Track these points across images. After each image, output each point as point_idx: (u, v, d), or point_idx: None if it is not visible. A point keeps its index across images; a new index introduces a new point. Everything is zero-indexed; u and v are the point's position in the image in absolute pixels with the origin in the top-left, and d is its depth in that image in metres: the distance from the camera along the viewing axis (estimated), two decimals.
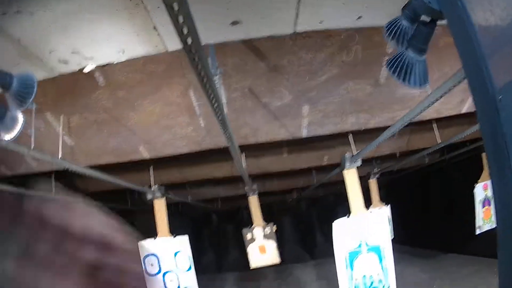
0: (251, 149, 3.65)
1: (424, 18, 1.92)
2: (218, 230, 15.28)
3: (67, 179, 6.25)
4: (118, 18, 2.63)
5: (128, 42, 3.05)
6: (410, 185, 12.09)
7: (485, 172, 6.70)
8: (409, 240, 11.52)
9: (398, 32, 2.07)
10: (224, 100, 2.52)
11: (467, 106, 4.12)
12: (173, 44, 3.11)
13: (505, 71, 0.97)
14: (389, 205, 4.59)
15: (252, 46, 3.19)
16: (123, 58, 3.23)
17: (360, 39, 3.26)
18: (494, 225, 6.63)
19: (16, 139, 2.44)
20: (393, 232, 5.90)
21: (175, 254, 4.98)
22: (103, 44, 3.04)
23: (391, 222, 6.22)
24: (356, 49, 3.22)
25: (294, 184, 9.42)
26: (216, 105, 1.94)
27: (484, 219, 6.66)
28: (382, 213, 4.54)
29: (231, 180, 7.94)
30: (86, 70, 3.25)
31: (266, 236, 6.78)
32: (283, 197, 12.58)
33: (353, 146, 4.74)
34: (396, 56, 2.05)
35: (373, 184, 7.13)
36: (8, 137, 2.28)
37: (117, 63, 3.27)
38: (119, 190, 7.22)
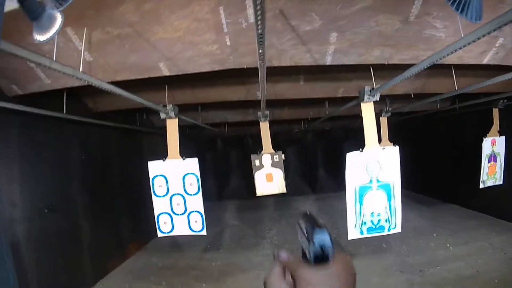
0: (269, 73, 3.60)
1: None
2: (223, 156, 15.39)
3: (77, 99, 6.27)
4: None
5: None
6: (418, 130, 12.20)
7: (495, 127, 6.74)
8: (412, 185, 11.70)
9: None
10: (252, 19, 2.45)
11: (488, 58, 4.11)
12: None
13: None
14: (397, 146, 4.60)
15: None
16: None
17: None
18: (497, 182, 6.73)
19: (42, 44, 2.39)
20: None
21: (184, 176, 5.07)
22: None
23: None
24: None
25: (305, 114, 9.41)
26: (260, 16, 1.90)
27: (489, 174, 6.78)
28: (395, 151, 4.57)
29: (242, 105, 7.95)
30: None
31: (274, 164, 6.85)
32: (291, 127, 12.63)
33: (373, 80, 4.71)
34: None
35: (384, 122, 7.16)
36: (42, 38, 2.22)
37: None
38: (128, 110, 7.25)
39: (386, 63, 4.07)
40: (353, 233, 4.63)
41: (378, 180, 4.55)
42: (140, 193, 7.21)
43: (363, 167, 4.54)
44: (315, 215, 1.08)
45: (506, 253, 6.43)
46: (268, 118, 6.70)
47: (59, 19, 2.18)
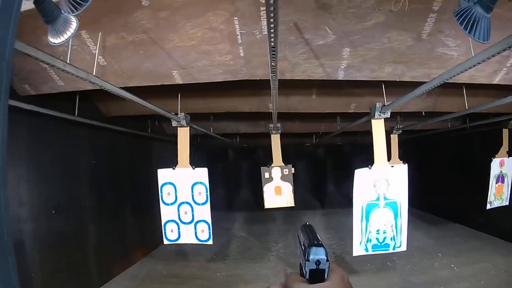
0: (282, 86, 3.62)
1: None
2: (233, 166, 15.40)
3: (89, 102, 6.30)
4: None
5: None
6: (427, 148, 12.20)
7: (504, 148, 6.71)
8: (420, 203, 11.63)
9: None
10: (266, 31, 2.47)
11: (499, 77, 4.10)
12: None
13: None
14: (406, 164, 4.59)
15: None
16: None
17: None
18: (504, 203, 6.68)
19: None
20: None
21: (193, 185, 5.06)
22: None
23: None
24: (404, 0, 3.14)
25: (316, 128, 9.43)
26: (273, 30, 1.91)
27: (496, 195, 6.72)
28: (403, 169, 4.55)
29: (254, 116, 7.96)
30: None
31: (283, 178, 6.86)
32: (302, 141, 12.61)
33: (385, 96, 4.70)
34: (464, 9, 2.08)
35: (394, 139, 7.13)
36: (56, 41, 2.23)
37: None
38: (140, 116, 7.29)
39: (398, 79, 4.07)
40: (358, 250, 4.61)
41: (385, 198, 4.53)
42: (148, 200, 7.22)
43: (371, 184, 4.52)
44: (313, 228, 1.08)
45: (509, 275, 6.39)
46: (280, 131, 6.71)
47: (74, 24, 2.19)
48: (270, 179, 6.87)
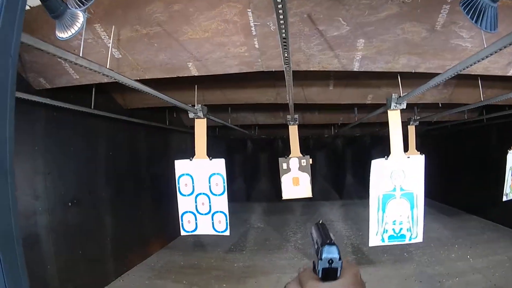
0: (298, 77, 3.60)
1: None
2: (252, 157, 15.42)
3: (106, 94, 6.34)
4: None
5: None
6: (444, 140, 12.10)
7: None
8: (436, 195, 11.56)
9: None
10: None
11: None
12: None
13: None
14: (423, 155, 4.55)
15: None
16: None
17: None
18: None
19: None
20: None
21: (210, 176, 5.06)
22: None
23: None
24: None
25: (334, 119, 9.38)
26: (282, 21, 1.89)
27: None
28: (420, 160, 4.51)
29: (272, 108, 7.97)
30: None
31: (301, 168, 6.84)
32: (321, 132, 12.57)
33: (400, 88, 4.65)
34: None
35: (411, 130, 7.07)
36: (64, 35, 2.24)
37: None
38: (158, 108, 7.31)
39: (413, 71, 4.03)
40: (374, 240, 4.59)
41: (401, 189, 4.49)
42: (165, 191, 7.26)
43: (388, 174, 4.48)
44: (326, 226, 1.07)
45: None
46: (297, 122, 6.70)
47: (81, 18, 2.20)
48: (288, 169, 6.86)
